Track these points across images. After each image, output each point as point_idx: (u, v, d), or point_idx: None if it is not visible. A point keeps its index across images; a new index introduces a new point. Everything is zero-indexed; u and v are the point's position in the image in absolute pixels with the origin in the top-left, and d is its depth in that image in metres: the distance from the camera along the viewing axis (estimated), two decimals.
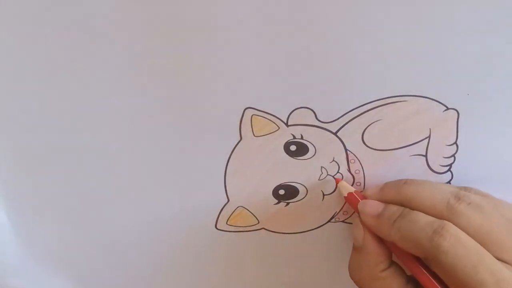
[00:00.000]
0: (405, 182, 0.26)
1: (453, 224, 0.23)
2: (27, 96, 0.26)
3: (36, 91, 0.26)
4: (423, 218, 0.24)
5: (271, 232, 0.30)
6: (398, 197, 0.26)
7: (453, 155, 0.28)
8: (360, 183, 0.29)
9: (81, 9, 0.24)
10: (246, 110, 0.26)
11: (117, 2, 0.23)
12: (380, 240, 0.26)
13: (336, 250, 0.31)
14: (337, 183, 0.28)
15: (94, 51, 0.25)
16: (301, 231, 0.30)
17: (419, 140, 0.28)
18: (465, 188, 0.26)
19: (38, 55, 0.25)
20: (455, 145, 0.28)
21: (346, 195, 0.28)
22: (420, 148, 0.28)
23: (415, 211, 0.25)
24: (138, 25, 0.24)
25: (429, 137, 0.28)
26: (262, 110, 0.26)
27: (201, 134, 0.27)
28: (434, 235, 0.23)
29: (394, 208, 0.25)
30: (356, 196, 0.27)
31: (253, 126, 0.27)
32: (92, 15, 0.24)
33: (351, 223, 0.29)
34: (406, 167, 0.28)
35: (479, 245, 0.23)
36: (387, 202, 0.26)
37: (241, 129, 0.27)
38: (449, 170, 0.28)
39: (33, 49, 0.25)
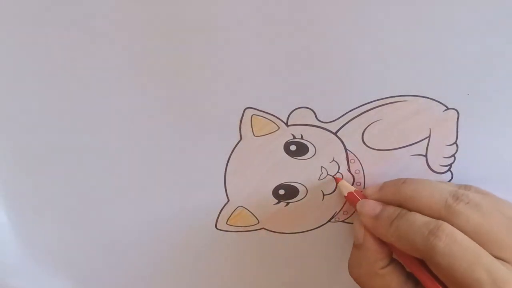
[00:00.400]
0: (404, 181, 0.26)
1: (452, 223, 0.23)
2: (27, 96, 0.26)
3: (36, 91, 0.26)
4: (420, 219, 0.24)
5: (271, 232, 0.30)
6: (397, 196, 0.26)
7: (453, 155, 0.28)
8: (360, 183, 0.29)
9: (81, 9, 0.24)
10: (246, 110, 0.26)
11: (117, 2, 0.23)
12: None
13: (336, 250, 0.31)
14: (337, 182, 0.28)
15: (94, 51, 0.25)
16: (301, 231, 0.30)
17: (419, 140, 0.28)
18: (465, 187, 0.26)
19: (38, 55, 0.25)
20: (455, 145, 0.28)
21: (346, 194, 0.28)
22: (420, 148, 0.28)
23: (412, 212, 0.25)
24: (138, 25, 0.24)
25: (429, 137, 0.28)
26: (262, 110, 0.26)
27: (201, 134, 0.27)
28: (430, 235, 0.23)
29: (391, 209, 0.25)
30: (356, 195, 0.27)
31: (253, 126, 0.27)
32: (92, 15, 0.24)
33: (351, 223, 0.29)
34: (406, 167, 0.28)
35: (476, 244, 0.23)
36: (386, 201, 0.26)
37: (241, 129, 0.27)
38: (449, 170, 0.28)
39: (33, 49, 0.25)
